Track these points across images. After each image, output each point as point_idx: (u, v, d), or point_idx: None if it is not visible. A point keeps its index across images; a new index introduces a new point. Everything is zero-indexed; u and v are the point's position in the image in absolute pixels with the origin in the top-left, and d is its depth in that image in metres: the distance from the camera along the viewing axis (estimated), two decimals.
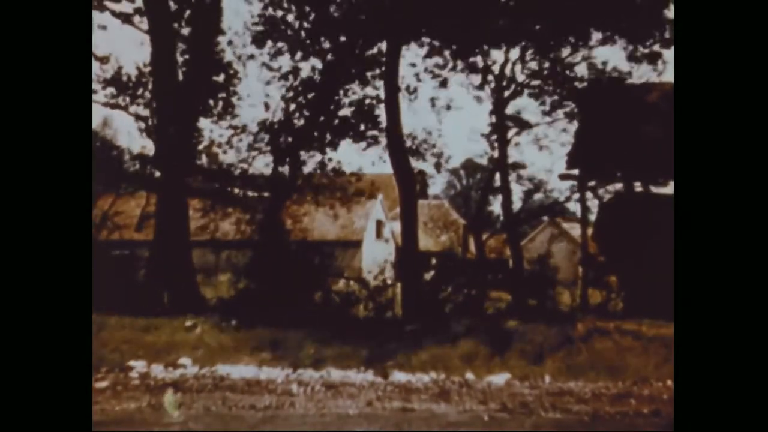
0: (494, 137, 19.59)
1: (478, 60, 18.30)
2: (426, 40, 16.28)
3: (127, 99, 16.21)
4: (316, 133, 15.54)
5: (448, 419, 6.89)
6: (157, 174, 15.72)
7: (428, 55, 17.00)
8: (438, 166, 18.17)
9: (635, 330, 10.32)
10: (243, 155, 16.44)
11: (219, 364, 9.14)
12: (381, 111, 15.39)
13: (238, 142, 16.45)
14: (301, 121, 15.55)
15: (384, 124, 15.00)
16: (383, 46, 14.75)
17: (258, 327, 10.79)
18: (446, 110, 17.87)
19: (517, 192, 23.64)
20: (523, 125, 19.72)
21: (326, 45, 15.10)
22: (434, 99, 18.37)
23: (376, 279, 14.26)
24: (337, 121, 15.64)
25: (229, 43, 16.05)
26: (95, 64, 15.80)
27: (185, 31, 15.19)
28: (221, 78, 15.97)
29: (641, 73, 16.33)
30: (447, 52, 17.05)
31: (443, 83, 17.99)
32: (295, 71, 15.48)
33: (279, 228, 15.18)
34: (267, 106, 15.79)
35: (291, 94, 15.56)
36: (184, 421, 6.74)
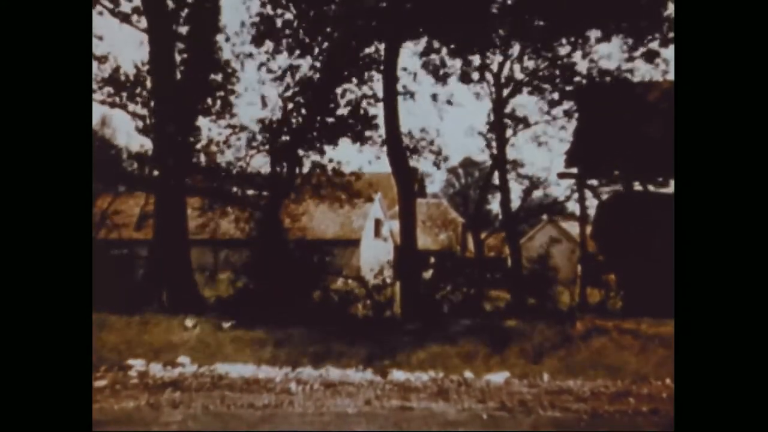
0: (493, 136, 19.57)
1: (477, 58, 18.28)
2: (424, 39, 16.26)
3: (126, 98, 16.21)
4: (314, 132, 15.53)
5: (447, 418, 6.89)
6: (156, 173, 15.71)
7: (425, 53, 16.96)
8: (437, 164, 18.16)
9: (634, 329, 10.32)
10: (241, 154, 16.44)
11: (217, 363, 9.14)
12: (379, 110, 15.40)
13: (236, 140, 16.46)
14: (299, 120, 15.54)
15: (381, 123, 15.01)
16: (381, 44, 14.73)
17: (257, 326, 10.77)
18: (447, 105, 17.81)
19: (516, 190, 23.65)
20: (522, 123, 19.71)
21: (324, 44, 15.09)
22: (435, 95, 18.26)
23: (375, 278, 14.26)
24: (334, 120, 15.62)
25: (227, 39, 16.03)
26: (93, 63, 15.79)
27: (183, 30, 15.17)
28: (219, 77, 15.97)
29: (641, 72, 16.33)
30: (445, 50, 17.02)
31: (442, 78, 17.92)
32: (292, 70, 15.47)
33: (277, 227, 15.17)
34: (264, 104, 15.78)
35: (289, 93, 15.56)
36: (183, 420, 6.74)
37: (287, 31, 15.13)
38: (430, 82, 17.63)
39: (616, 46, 16.27)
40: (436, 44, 16.49)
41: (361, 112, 15.61)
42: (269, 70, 15.57)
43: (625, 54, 16.06)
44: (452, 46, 16.32)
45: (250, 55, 15.75)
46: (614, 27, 15.35)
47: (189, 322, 11.15)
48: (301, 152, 15.74)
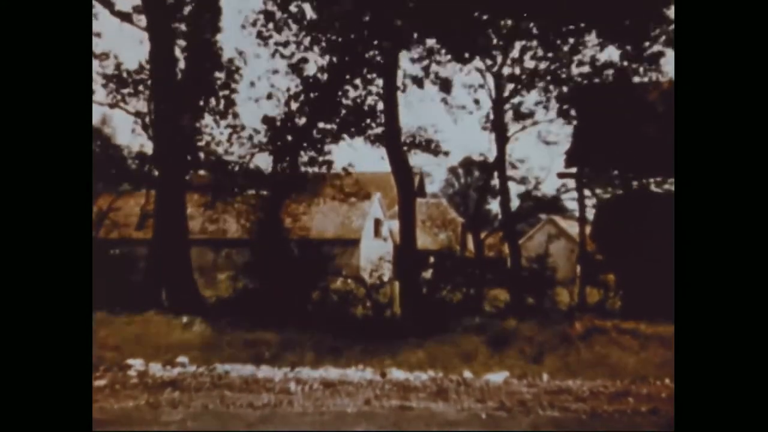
0: (493, 136, 19.53)
1: (477, 59, 18.23)
2: (428, 42, 16.21)
3: (126, 97, 16.22)
4: (316, 132, 15.50)
5: (447, 418, 6.89)
6: (156, 172, 15.70)
7: (428, 58, 16.92)
8: (436, 154, 18.12)
9: (633, 328, 10.32)
10: (242, 152, 16.42)
11: (217, 363, 9.14)
12: (380, 107, 15.35)
13: (237, 139, 16.43)
14: (302, 119, 15.50)
15: (383, 122, 14.99)
16: (383, 44, 14.69)
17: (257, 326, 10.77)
18: (448, 112, 17.80)
19: (516, 190, 23.56)
20: (522, 123, 19.69)
21: (327, 44, 15.05)
22: (445, 99, 18.15)
23: (371, 277, 14.27)
24: (337, 120, 15.59)
25: (241, 26, 15.87)
26: (94, 62, 15.79)
27: (184, 28, 15.15)
28: (222, 75, 15.95)
29: (641, 72, 16.29)
30: (446, 53, 16.97)
31: (446, 88, 17.84)
32: (296, 69, 15.42)
33: (278, 226, 15.16)
34: (270, 96, 15.69)
35: (292, 91, 15.53)
36: (183, 420, 6.74)
37: (291, 30, 15.10)
38: (435, 87, 17.42)
39: (617, 46, 16.09)
40: (437, 45, 16.44)
41: (365, 110, 15.55)
42: (282, 56, 15.35)
43: (626, 55, 16.02)
44: (452, 48, 16.26)
45: (257, 55, 15.59)
46: (615, 28, 15.31)
47: (185, 320, 11.16)
48: (302, 152, 15.70)
